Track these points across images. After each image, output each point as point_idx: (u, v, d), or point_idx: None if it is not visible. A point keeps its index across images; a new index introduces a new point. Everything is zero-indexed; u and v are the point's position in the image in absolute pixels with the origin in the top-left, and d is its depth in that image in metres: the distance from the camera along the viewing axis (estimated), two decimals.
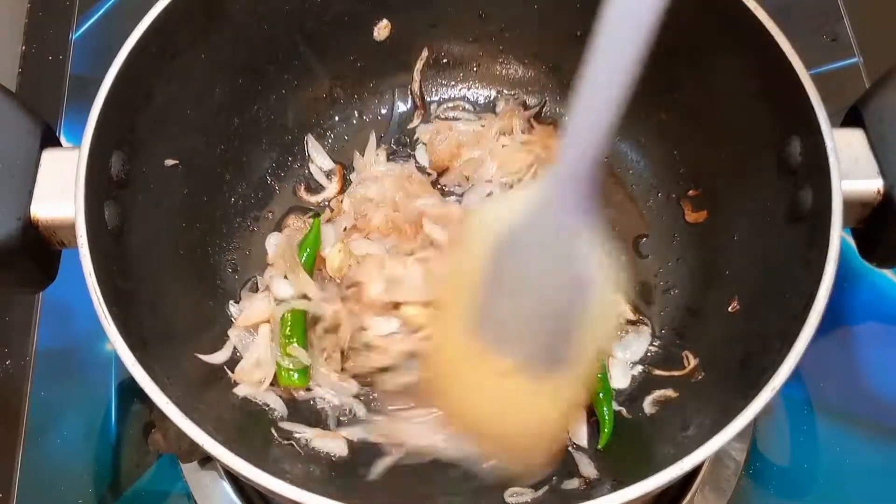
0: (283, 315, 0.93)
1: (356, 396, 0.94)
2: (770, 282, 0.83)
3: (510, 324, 0.74)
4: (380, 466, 0.88)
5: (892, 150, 0.78)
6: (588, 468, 0.84)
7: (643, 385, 0.93)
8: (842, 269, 0.73)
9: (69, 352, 1.10)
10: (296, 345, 0.91)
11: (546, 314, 0.73)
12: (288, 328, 0.92)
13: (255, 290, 1.00)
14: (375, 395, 0.94)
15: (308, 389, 0.93)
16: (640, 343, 0.96)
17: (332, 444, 0.90)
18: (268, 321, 0.94)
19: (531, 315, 0.73)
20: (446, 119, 1.11)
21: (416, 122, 1.11)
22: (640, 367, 0.96)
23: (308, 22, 1.00)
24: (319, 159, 1.08)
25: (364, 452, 0.91)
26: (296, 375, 0.92)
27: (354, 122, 1.11)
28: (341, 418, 0.93)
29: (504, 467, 0.82)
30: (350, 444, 0.91)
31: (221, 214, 1.01)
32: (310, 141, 1.09)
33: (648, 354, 0.96)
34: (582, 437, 0.89)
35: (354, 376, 0.94)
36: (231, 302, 0.98)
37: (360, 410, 0.93)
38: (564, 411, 0.79)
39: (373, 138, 1.10)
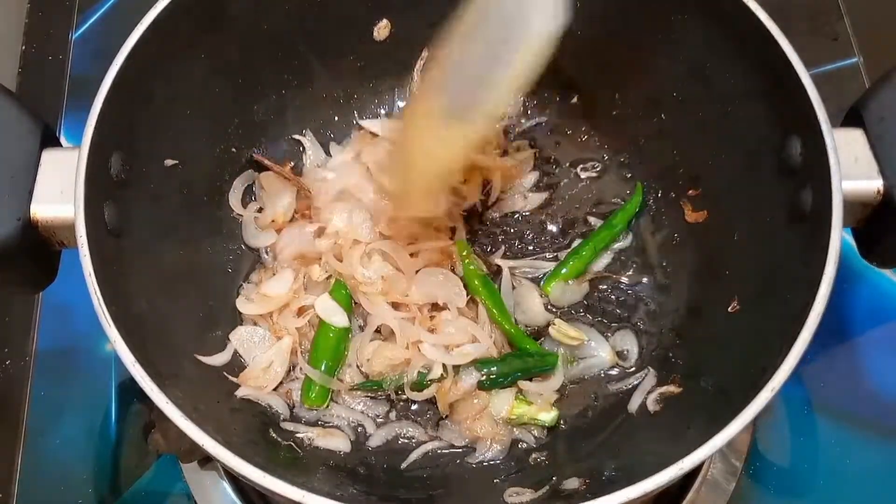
0: (324, 334, 0.94)
1: (372, 417, 0.95)
2: (770, 282, 0.83)
3: (457, 69, 0.85)
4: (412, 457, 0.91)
5: (892, 150, 0.78)
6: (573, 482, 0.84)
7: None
8: (842, 270, 0.73)
9: (69, 352, 1.10)
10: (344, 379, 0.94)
11: (478, 55, 0.83)
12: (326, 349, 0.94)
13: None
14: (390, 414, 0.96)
15: (327, 406, 0.94)
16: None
17: (335, 441, 0.91)
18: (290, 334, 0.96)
19: (471, 58, 0.83)
20: None
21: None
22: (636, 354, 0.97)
23: (308, 22, 1.00)
24: (317, 155, 1.08)
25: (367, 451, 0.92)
26: (313, 396, 0.93)
27: (354, 121, 1.11)
28: (358, 430, 0.94)
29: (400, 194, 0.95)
30: (352, 441, 0.92)
31: (221, 214, 1.01)
32: (308, 134, 1.08)
33: (652, 354, 0.97)
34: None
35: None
36: (242, 297, 0.98)
37: (371, 427, 0.93)
38: (458, 152, 0.89)
39: (354, 135, 1.10)
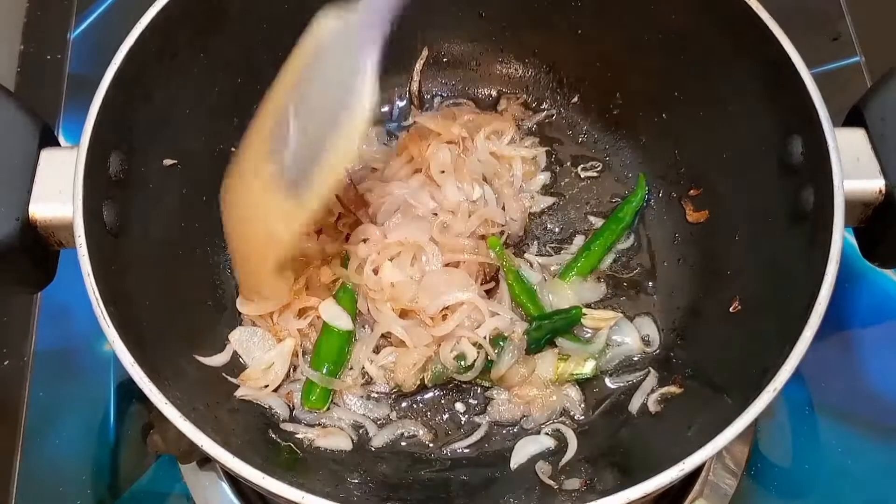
0: (327, 337, 0.94)
1: (373, 420, 0.94)
2: (771, 282, 0.83)
3: (287, 129, 0.83)
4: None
5: (893, 150, 0.78)
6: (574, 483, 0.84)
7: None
8: (843, 270, 0.73)
9: (68, 352, 1.09)
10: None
11: (309, 127, 0.82)
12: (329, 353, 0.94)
13: None
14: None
15: (327, 409, 0.94)
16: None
17: (336, 440, 0.91)
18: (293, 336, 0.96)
19: (301, 124, 0.83)
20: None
21: (410, 120, 1.11)
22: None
23: (308, 21, 1.00)
24: None
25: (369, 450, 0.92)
26: (313, 398, 0.92)
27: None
28: (360, 431, 0.94)
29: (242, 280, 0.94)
30: (354, 441, 0.92)
31: (220, 214, 1.01)
32: None
33: (653, 354, 0.97)
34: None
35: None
36: (242, 298, 0.97)
37: (372, 429, 0.93)
38: (290, 228, 0.86)
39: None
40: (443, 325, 0.93)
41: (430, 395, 0.96)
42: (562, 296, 0.99)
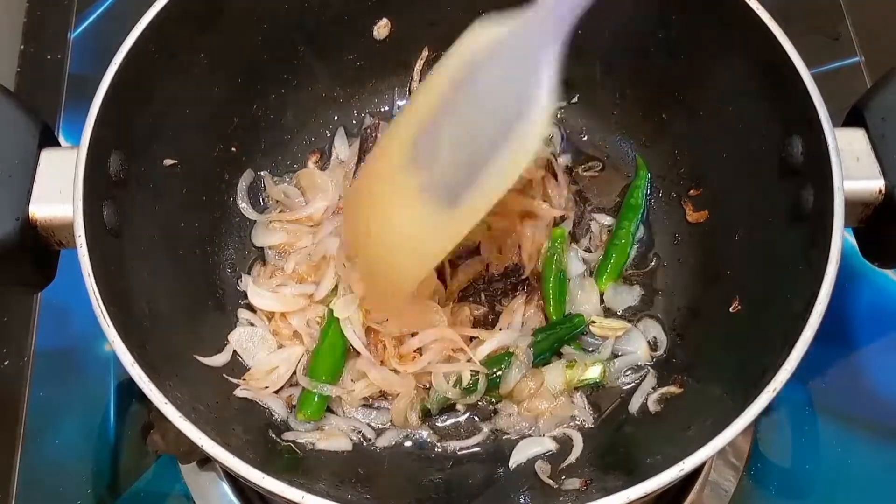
0: (321, 347, 0.93)
1: (375, 428, 0.94)
2: (771, 282, 0.83)
3: (438, 139, 0.76)
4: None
5: (893, 150, 0.78)
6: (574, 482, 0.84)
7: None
8: (843, 270, 0.73)
9: (68, 352, 1.09)
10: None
11: (468, 140, 0.75)
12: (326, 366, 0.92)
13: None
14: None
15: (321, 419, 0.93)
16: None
17: (337, 441, 0.90)
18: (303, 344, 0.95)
19: (459, 134, 0.75)
20: None
21: None
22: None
23: (308, 21, 1.00)
24: (343, 152, 1.08)
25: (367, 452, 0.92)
26: (310, 411, 0.91)
27: (354, 121, 1.11)
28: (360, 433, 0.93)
29: (371, 276, 0.86)
30: (354, 442, 0.92)
31: (220, 214, 1.01)
32: (340, 131, 1.09)
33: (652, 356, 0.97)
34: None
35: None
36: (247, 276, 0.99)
37: (370, 433, 0.93)
38: (443, 245, 0.80)
39: (340, 131, 1.10)
40: (416, 363, 0.91)
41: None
42: (592, 302, 0.98)
